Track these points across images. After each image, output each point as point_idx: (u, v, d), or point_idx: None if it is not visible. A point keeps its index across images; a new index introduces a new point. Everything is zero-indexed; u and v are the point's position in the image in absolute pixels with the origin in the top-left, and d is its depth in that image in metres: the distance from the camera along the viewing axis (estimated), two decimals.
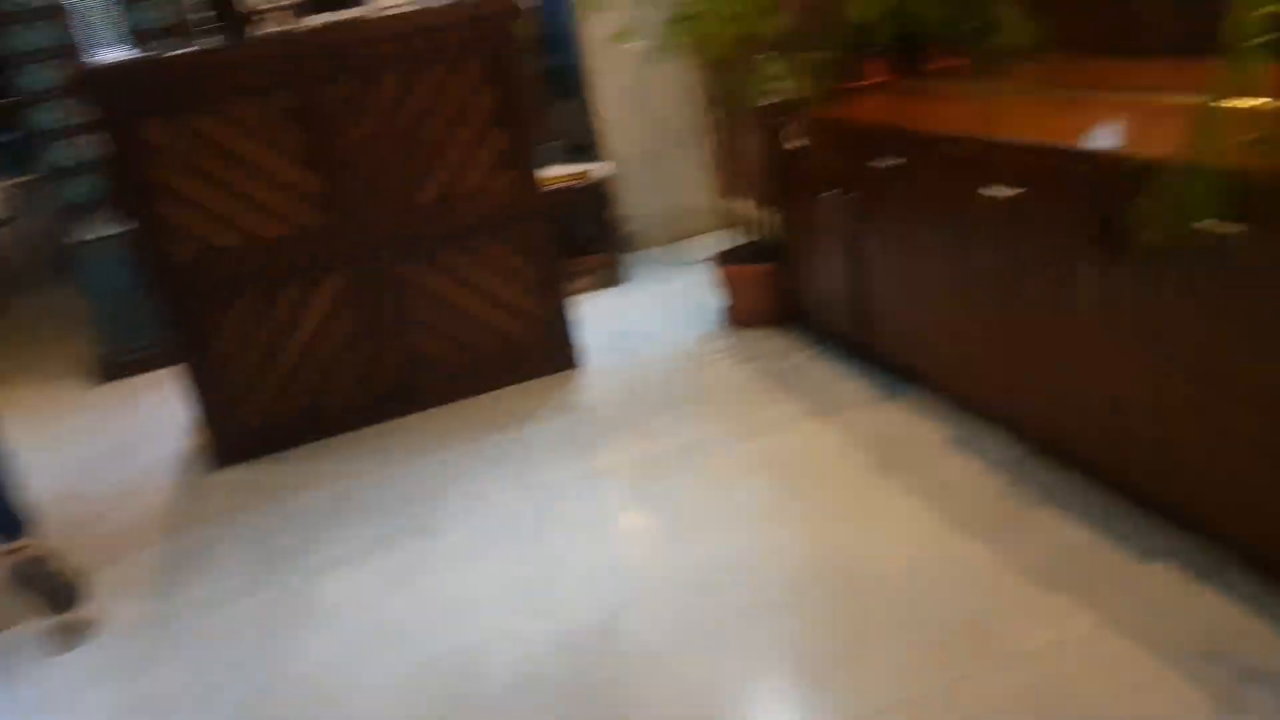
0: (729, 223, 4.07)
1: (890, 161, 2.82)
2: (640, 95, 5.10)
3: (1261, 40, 1.67)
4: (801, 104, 3.28)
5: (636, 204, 5.30)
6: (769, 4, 3.28)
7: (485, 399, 3.80)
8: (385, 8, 3.76)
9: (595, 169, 4.94)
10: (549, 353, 3.89)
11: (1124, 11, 4.02)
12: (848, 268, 3.25)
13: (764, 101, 3.64)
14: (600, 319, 4.43)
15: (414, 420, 3.71)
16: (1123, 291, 2.10)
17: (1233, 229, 1.77)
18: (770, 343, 3.82)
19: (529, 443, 3.37)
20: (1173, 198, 1.79)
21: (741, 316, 4.04)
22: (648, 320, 4.35)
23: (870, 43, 3.41)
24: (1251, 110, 1.75)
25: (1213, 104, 1.72)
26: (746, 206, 3.99)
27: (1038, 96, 2.84)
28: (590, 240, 5.07)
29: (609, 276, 4.97)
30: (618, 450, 3.23)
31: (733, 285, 4.07)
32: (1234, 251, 1.79)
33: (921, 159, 2.67)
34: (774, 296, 3.93)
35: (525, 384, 3.86)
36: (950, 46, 3.45)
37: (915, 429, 2.96)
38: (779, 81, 3.33)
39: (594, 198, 4.90)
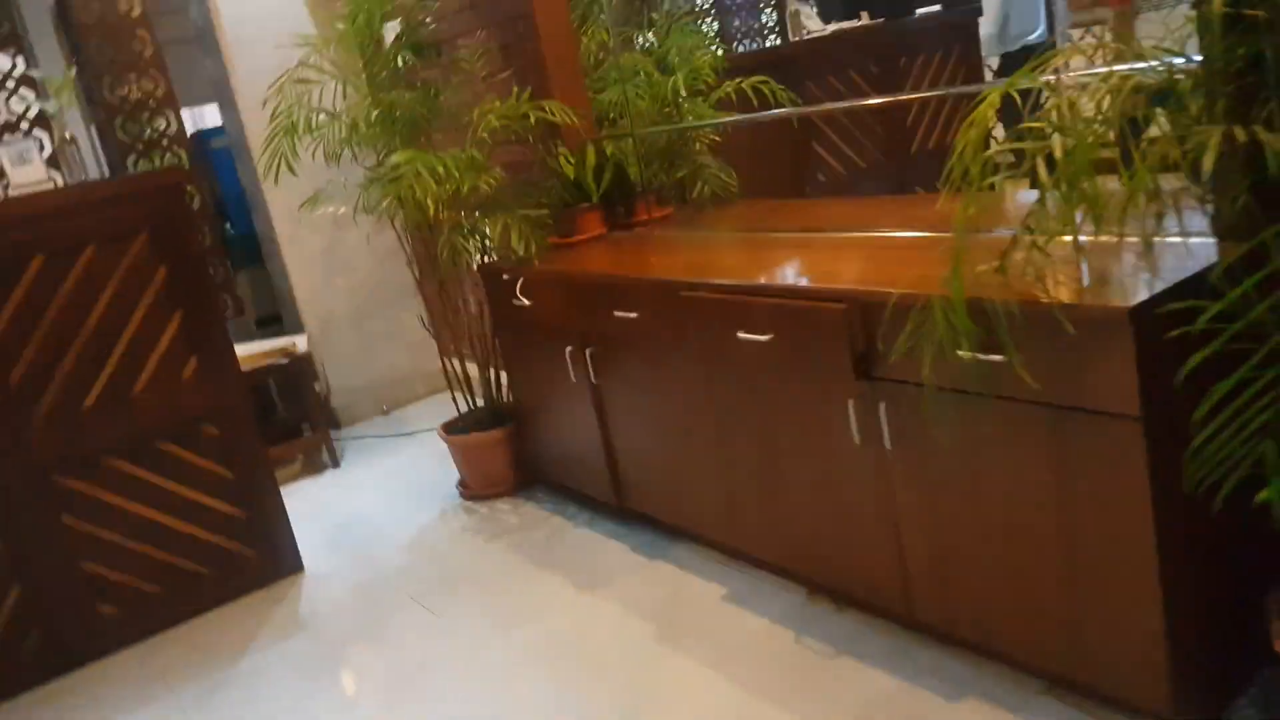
0: (451, 387, 3.79)
1: (629, 313, 2.71)
2: (338, 259, 4.76)
3: (989, 180, 1.72)
4: (523, 261, 3.13)
5: (344, 375, 4.88)
6: (479, 162, 3.13)
7: (189, 628, 3.17)
8: (24, 185, 3.22)
9: (293, 343, 4.49)
10: (262, 561, 3.35)
11: (807, 159, 4.33)
12: (592, 425, 3.07)
13: (481, 260, 3.46)
14: (319, 511, 3.93)
15: (94, 672, 3.01)
16: (886, 426, 2.06)
17: (993, 358, 1.77)
18: (516, 514, 3.53)
19: (248, 680, 2.82)
20: (931, 331, 1.78)
21: (479, 488, 3.73)
22: (373, 505, 3.92)
23: (584, 197, 3.35)
24: (989, 242, 1.79)
25: (958, 237, 1.73)
26: (469, 369, 3.74)
27: (759, 239, 2.88)
28: (295, 422, 4.57)
29: (321, 460, 4.48)
30: (360, 669, 2.77)
31: (465, 456, 3.77)
32: (995, 380, 1.79)
33: (665, 308, 2.57)
34: (512, 463, 3.67)
35: (238, 602, 3.28)
36: (658, 197, 3.48)
37: (690, 589, 2.78)
38: (495, 239, 3.16)
39: (295, 374, 4.43)
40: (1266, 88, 1.45)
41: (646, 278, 2.67)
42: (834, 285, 2.11)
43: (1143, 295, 1.63)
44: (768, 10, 5.53)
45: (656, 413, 2.81)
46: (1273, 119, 1.45)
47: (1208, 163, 1.28)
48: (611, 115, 3.54)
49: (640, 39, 4.00)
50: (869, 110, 4.47)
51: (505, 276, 3.22)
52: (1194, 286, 1.63)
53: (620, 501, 3.13)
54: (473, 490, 3.75)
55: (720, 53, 4.09)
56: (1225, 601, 1.85)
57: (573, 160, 3.34)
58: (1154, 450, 1.65)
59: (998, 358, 1.77)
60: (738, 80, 3.48)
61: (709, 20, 5.30)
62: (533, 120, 3.18)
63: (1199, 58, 1.61)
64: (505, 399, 3.71)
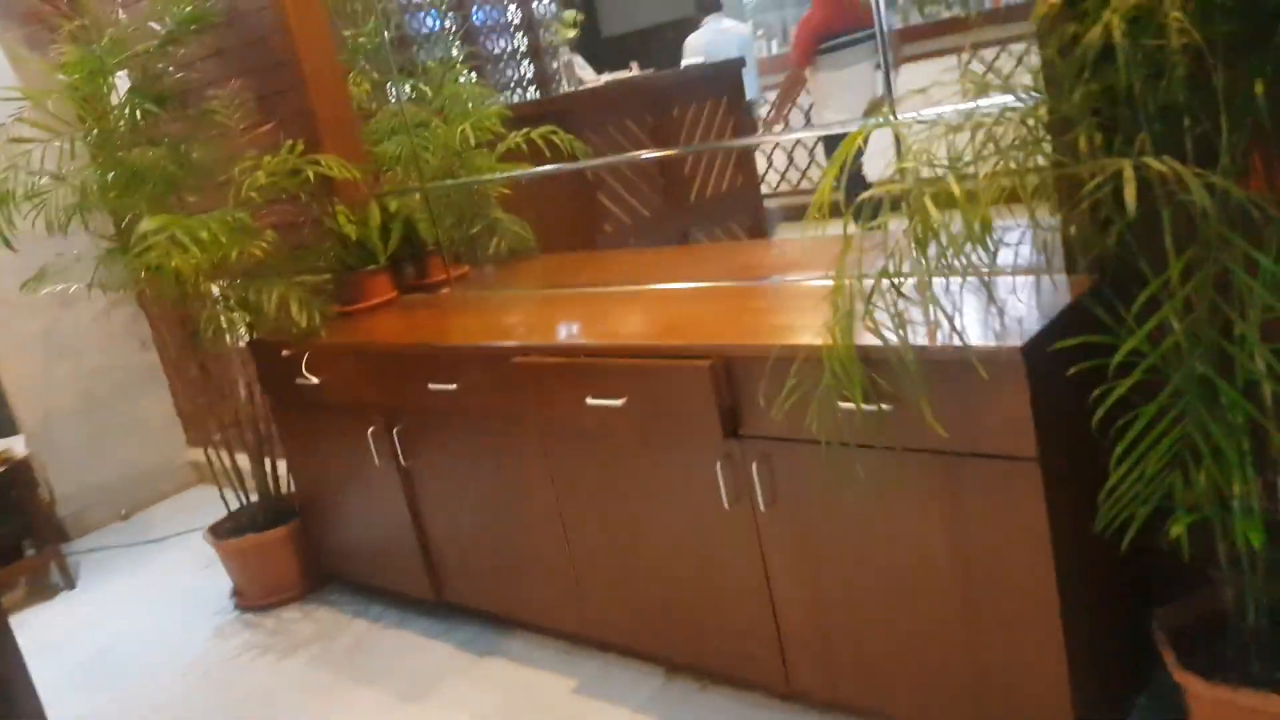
0: (219, 483, 3.29)
1: (447, 384, 2.42)
2: (62, 343, 4.09)
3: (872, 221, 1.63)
4: (307, 333, 2.76)
5: (72, 478, 4.17)
6: (248, 224, 2.74)
7: None
8: None
9: (6, 447, 3.77)
10: None
11: (594, 210, 4.21)
12: (401, 513, 2.73)
13: (251, 335, 3.04)
14: (58, 644, 3.28)
15: None
16: (759, 487, 1.92)
17: (881, 407, 1.67)
18: (310, 622, 3.09)
19: None
20: (818, 384, 1.67)
21: (260, 597, 3.25)
22: (128, 630, 3.32)
23: (369, 259, 3.03)
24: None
25: (839, 284, 1.62)
26: (237, 460, 3.26)
27: (577, 296, 2.68)
28: (14, 540, 3.83)
29: (51, 582, 3.78)
30: None
31: (241, 561, 3.28)
32: (883, 431, 1.69)
33: (493, 376, 2.31)
34: (299, 564, 3.23)
35: None
36: (450, 256, 3.22)
37: (534, 686, 2.49)
38: (271, 311, 2.77)
39: (10, 484, 3.71)
40: (1136, 122, 1.44)
41: (469, 344, 2.39)
42: (697, 341, 1.95)
43: (1032, 331, 1.58)
44: (527, 61, 5.41)
45: (483, 493, 2.52)
46: (1144, 152, 1.44)
47: (1130, 194, 1.23)
48: (392, 169, 3.24)
49: (409, 89, 3.75)
50: (650, 160, 4.43)
51: (285, 352, 2.82)
52: (1075, 322, 1.61)
53: (438, 595, 2.80)
54: (252, 600, 3.26)
55: (503, 103, 3.90)
56: (1117, 630, 1.84)
57: (354, 219, 3.02)
58: (1051, 490, 1.61)
59: (885, 407, 1.68)
60: (526, 130, 3.30)
61: (467, 73, 5.11)
62: (312, 177, 2.83)
63: (1036, 96, 1.60)
64: (287, 491, 3.27)
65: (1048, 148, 1.57)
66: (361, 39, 3.53)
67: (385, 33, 3.27)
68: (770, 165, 6.03)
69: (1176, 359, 1.41)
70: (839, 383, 1.60)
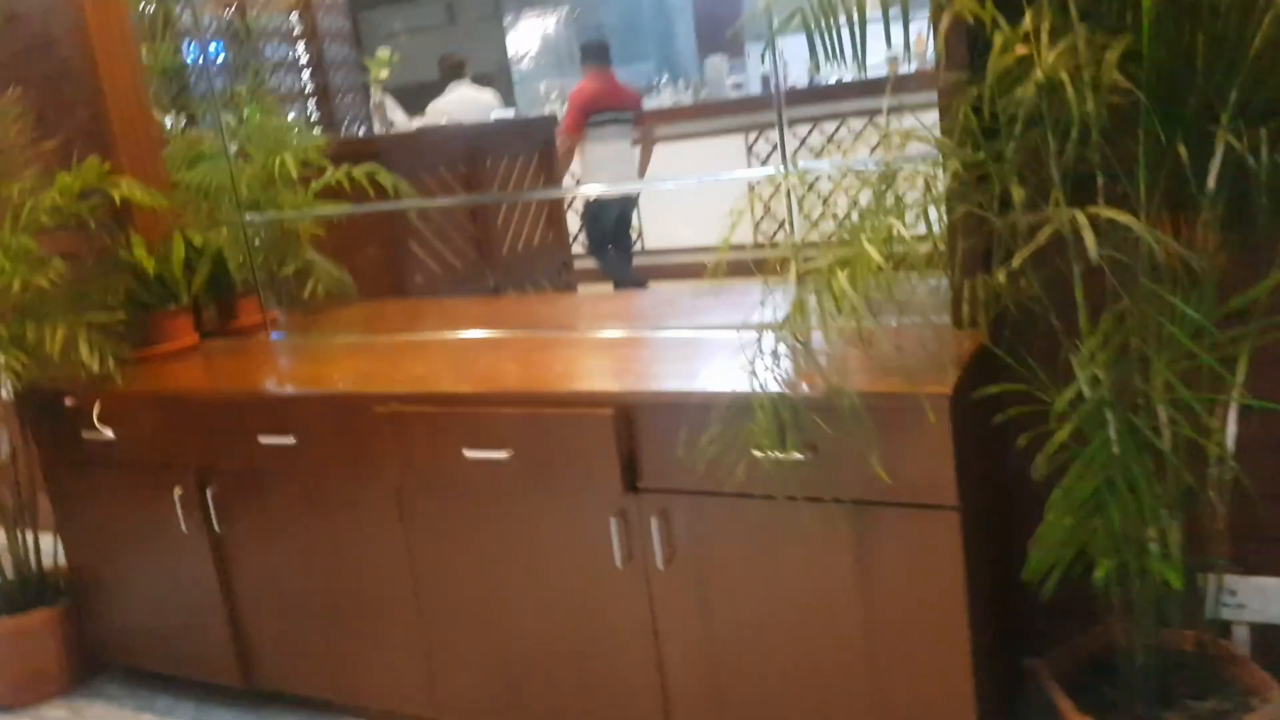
0: None
1: (282, 437, 2.14)
2: None
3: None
4: (99, 380, 2.37)
5: None
6: (34, 252, 2.34)
7: None
8: None
9: None
10: None
11: (407, 258, 4.00)
12: (210, 587, 2.38)
13: (17, 382, 2.58)
14: None
15: None
16: (658, 543, 1.81)
17: (796, 455, 1.62)
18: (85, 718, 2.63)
19: None
20: (735, 429, 1.60)
21: (11, 695, 2.72)
22: None
23: (168, 298, 2.68)
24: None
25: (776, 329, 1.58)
26: None
27: (420, 342, 2.49)
28: None
29: None
30: None
31: None
32: (794, 481, 1.64)
33: (344, 428, 2.07)
34: (65, 652, 2.74)
35: None
36: (257, 298, 2.92)
37: None
38: (55, 353, 2.36)
39: None
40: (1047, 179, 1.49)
41: (317, 392, 2.13)
42: (596, 388, 1.82)
43: (953, 379, 1.58)
44: (342, 96, 5.13)
45: (316, 559, 2.24)
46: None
47: (1090, 241, 1.25)
48: (193, 200, 2.91)
49: (208, 116, 3.42)
50: (463, 210, 4.28)
51: (70, 402, 2.42)
52: (975, 374, 1.64)
53: (248, 682, 2.45)
54: (2, 698, 2.73)
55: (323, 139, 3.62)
56: (999, 675, 1.86)
57: (155, 252, 2.66)
58: (967, 538, 1.60)
59: (799, 455, 1.62)
60: (347, 166, 3.07)
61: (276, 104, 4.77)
62: (118, 201, 2.47)
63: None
64: (53, 566, 2.79)
65: (971, 200, 1.60)
66: (154, 59, 3.19)
67: (198, 50, 2.96)
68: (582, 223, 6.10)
69: (1098, 410, 1.45)
70: (764, 431, 1.54)
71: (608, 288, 5.98)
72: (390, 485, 2.07)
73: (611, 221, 5.33)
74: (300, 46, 5.71)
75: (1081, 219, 1.28)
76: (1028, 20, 1.38)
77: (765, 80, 6.99)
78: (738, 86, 6.99)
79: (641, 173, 5.40)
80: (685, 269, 6.78)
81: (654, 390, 1.77)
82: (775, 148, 6.47)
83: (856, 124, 5.97)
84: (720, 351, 1.96)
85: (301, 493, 2.20)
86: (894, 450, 1.58)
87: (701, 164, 6.60)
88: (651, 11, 9.36)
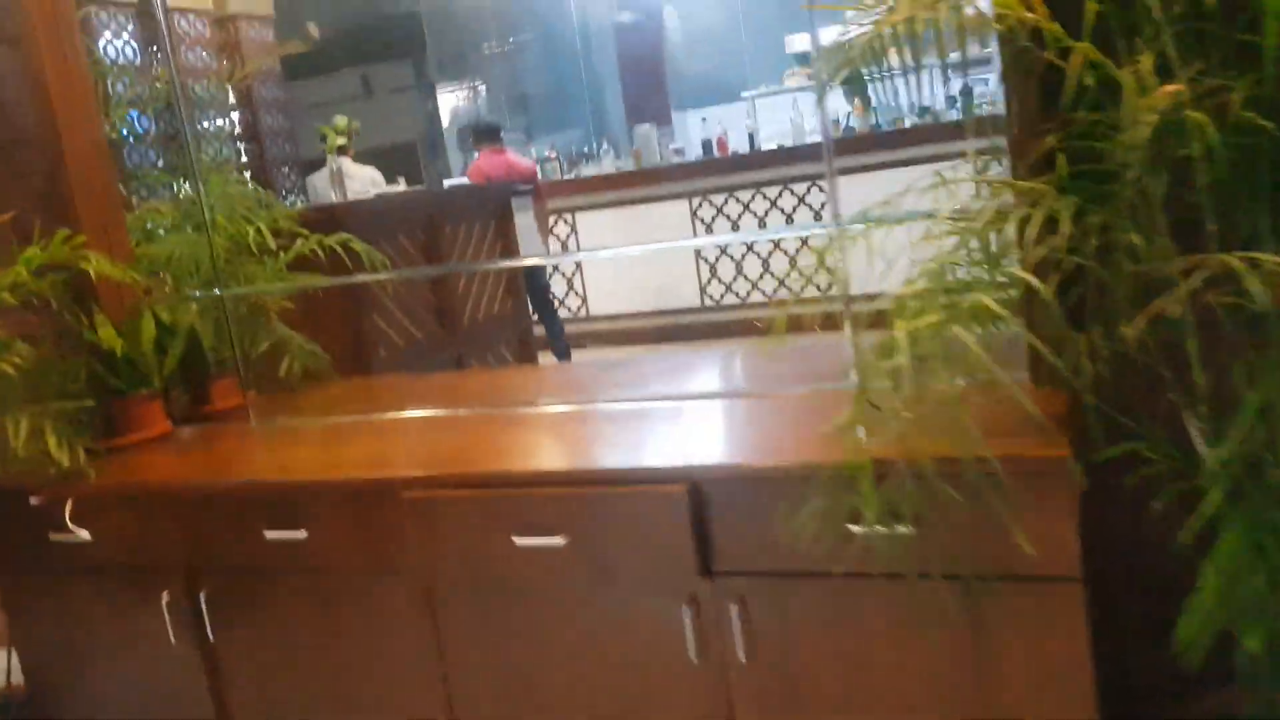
0: None
1: (293, 532, 1.93)
2: None
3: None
4: (68, 475, 2.12)
5: None
6: None
7: None
8: None
9: None
10: None
11: (372, 330, 3.80)
12: (198, 701, 2.12)
13: None
14: None
15: None
16: (739, 634, 1.65)
17: (901, 529, 1.50)
18: None
19: None
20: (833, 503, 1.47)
21: None
22: None
23: (138, 381, 2.44)
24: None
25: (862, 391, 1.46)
26: None
27: (430, 421, 2.30)
28: None
29: None
30: None
31: None
32: (896, 557, 1.51)
33: (367, 518, 1.87)
34: None
35: None
36: (236, 379, 2.70)
37: None
38: (20, 446, 2.10)
39: None
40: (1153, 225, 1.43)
41: (330, 479, 1.93)
42: (666, 462, 1.67)
43: (1061, 441, 1.48)
44: (278, 168, 4.92)
45: (329, 671, 2.00)
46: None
47: (1255, 287, 1.17)
48: (158, 274, 2.69)
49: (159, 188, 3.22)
50: (425, 281, 4.11)
51: (35, 500, 2.15)
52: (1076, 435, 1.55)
53: None
54: None
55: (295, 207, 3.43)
56: None
57: (123, 331, 2.43)
58: (1093, 611, 1.50)
59: (903, 529, 1.50)
60: (318, 236, 2.88)
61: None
62: (94, 275, 2.24)
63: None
64: (5, 685, 2.47)
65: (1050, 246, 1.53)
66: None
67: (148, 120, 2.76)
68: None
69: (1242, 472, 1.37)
70: (870, 504, 1.42)
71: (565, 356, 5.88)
72: (418, 581, 1.87)
73: (533, 291, 5.46)
74: (234, 116, 5.52)
75: (1238, 264, 1.20)
76: (1145, 61, 1.32)
77: (705, 145, 7.03)
78: (678, 152, 7.00)
79: (543, 240, 5.77)
80: (633, 334, 6.72)
81: (734, 464, 1.63)
82: (718, 212, 6.51)
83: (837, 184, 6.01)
84: (783, 414, 1.84)
85: (311, 593, 1.98)
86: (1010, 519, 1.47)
87: (644, 230, 6.57)
88: (578, 82, 9.42)
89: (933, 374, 1.40)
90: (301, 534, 1.93)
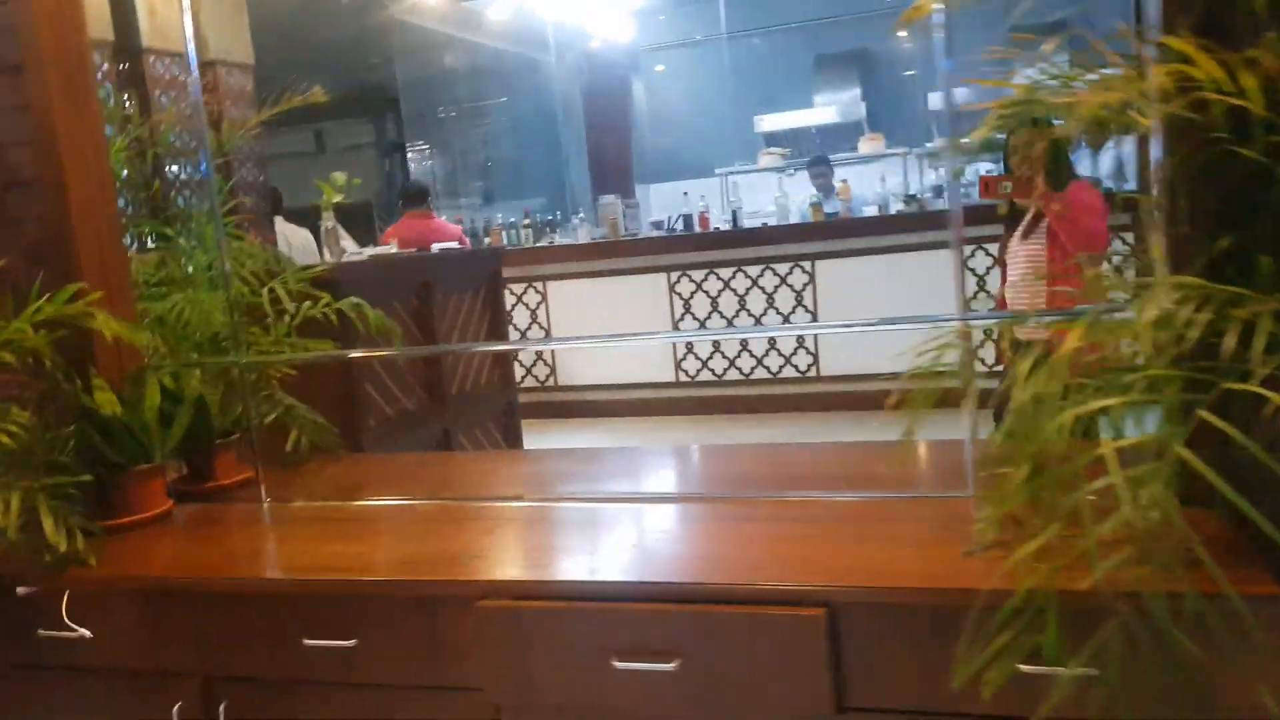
0: None
1: (339, 640, 1.68)
2: None
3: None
4: (63, 562, 1.85)
5: None
6: None
7: None
8: None
9: None
10: None
11: (364, 400, 3.55)
12: None
13: None
14: None
15: None
16: None
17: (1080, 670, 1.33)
18: None
19: None
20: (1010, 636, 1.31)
21: None
22: None
23: (139, 454, 2.18)
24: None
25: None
26: None
27: (470, 510, 2.08)
28: None
29: None
30: None
31: None
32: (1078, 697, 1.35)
33: (430, 628, 1.63)
34: None
35: None
36: (250, 452, 2.44)
37: None
38: (10, 527, 1.82)
39: None
40: None
41: (386, 580, 1.69)
42: (804, 582, 1.48)
43: (1260, 572, 1.35)
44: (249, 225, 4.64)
45: None
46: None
47: None
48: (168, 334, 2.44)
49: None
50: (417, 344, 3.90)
51: (22, 591, 1.86)
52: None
53: None
54: None
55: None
56: None
57: (125, 398, 2.17)
58: None
59: (1083, 671, 1.34)
60: (327, 300, 2.66)
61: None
62: (107, 336, 1.98)
63: None
64: None
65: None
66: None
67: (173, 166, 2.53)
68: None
69: None
70: (1053, 641, 1.26)
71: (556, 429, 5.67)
72: (487, 704, 1.64)
73: None
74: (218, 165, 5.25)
75: None
76: None
77: (685, 220, 6.96)
78: (657, 225, 6.92)
79: None
80: (600, 407, 6.53)
81: (878, 586, 1.45)
82: (697, 287, 6.42)
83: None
84: (894, 521, 1.67)
85: (356, 709, 1.73)
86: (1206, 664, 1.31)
87: (618, 303, 6.44)
88: (543, 151, 9.35)
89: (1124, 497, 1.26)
90: (350, 644, 1.68)
